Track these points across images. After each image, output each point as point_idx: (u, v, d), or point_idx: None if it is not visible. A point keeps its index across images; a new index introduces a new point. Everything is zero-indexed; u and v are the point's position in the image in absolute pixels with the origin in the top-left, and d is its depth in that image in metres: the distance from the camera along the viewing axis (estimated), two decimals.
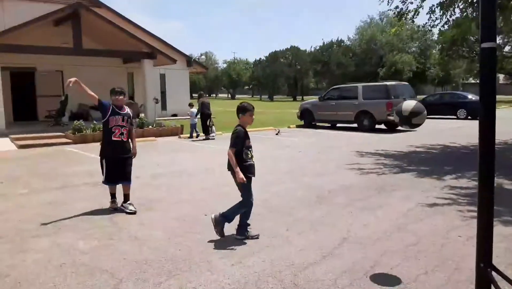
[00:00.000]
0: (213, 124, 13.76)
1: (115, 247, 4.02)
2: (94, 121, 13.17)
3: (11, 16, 15.40)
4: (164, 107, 21.24)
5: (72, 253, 3.86)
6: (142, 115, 16.32)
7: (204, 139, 13.25)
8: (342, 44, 60.91)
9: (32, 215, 5.11)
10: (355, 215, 5.01)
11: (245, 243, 4.08)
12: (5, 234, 4.41)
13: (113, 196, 5.43)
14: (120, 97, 5.34)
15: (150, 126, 14.21)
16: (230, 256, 3.77)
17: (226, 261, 3.64)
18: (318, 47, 63.53)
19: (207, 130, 13.41)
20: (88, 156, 9.91)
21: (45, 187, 6.71)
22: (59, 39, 15.75)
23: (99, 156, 5.39)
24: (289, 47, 66.99)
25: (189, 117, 14.03)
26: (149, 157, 9.77)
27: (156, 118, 16.41)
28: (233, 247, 3.99)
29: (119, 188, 5.40)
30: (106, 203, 5.51)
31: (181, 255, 3.81)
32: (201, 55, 64.72)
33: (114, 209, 5.30)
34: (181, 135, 14.14)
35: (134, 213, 5.15)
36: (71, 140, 12.22)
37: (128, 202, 5.32)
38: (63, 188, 6.62)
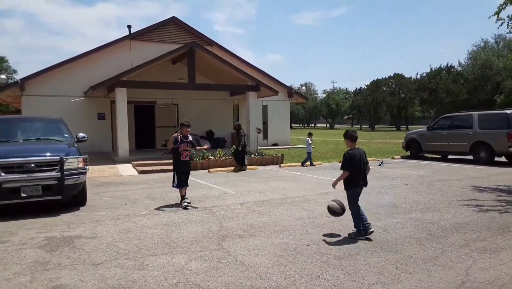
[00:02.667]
0: (247, 153, 13.94)
1: (223, 270, 4.22)
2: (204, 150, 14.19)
3: (137, 56, 17.67)
4: (265, 136, 21.97)
5: (185, 273, 4.15)
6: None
7: (238, 170, 13.18)
8: (452, 70, 56.67)
9: (151, 235, 5.64)
10: (474, 256, 4.53)
11: (350, 278, 3.95)
12: (128, 251, 4.94)
13: (183, 196, 7.65)
14: (187, 129, 7.68)
15: (253, 155, 14.78)
16: None
17: None
18: (425, 74, 60.06)
19: (243, 162, 13.46)
20: (197, 182, 10.64)
21: (161, 209, 7.36)
22: (175, 75, 17.56)
23: (173, 170, 7.76)
24: (392, 74, 64.63)
25: (305, 146, 14.71)
26: (252, 184, 10.13)
27: (258, 148, 17.01)
28: (339, 281, 3.89)
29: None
30: (214, 228, 5.86)
31: (285, 284, 3.83)
32: (301, 86, 65.62)
33: (188, 204, 7.43)
34: (281, 164, 14.39)
35: (189, 203, 7.49)
36: None
37: (185, 198, 7.64)
38: (176, 211, 7.20)
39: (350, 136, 5.30)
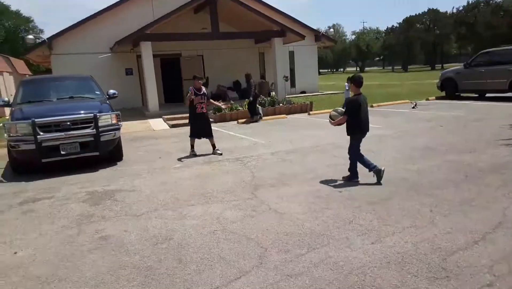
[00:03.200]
0: (259, 106, 13.48)
1: (258, 218, 4.34)
2: (231, 102, 14.18)
3: (158, 7, 17.31)
4: (293, 84, 21.58)
5: (222, 222, 4.31)
6: (273, 93, 16.88)
7: (249, 122, 12.90)
8: (491, 1, 52.49)
9: (186, 186, 5.82)
10: None
11: (384, 222, 3.98)
12: (166, 202, 5.14)
13: (192, 146, 8.08)
14: (199, 81, 7.85)
15: (281, 104, 14.63)
16: (369, 234, 3.74)
17: (365, 239, 3.62)
18: (461, 8, 56.09)
19: (254, 112, 13.11)
20: (227, 133, 10.74)
21: (194, 161, 7.54)
22: (198, 25, 17.18)
23: (189, 121, 8.12)
24: (426, 10, 60.79)
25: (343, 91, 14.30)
26: (282, 133, 10.12)
27: (286, 96, 16.78)
28: (372, 225, 3.93)
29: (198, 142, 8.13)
30: (247, 178, 5.97)
31: (319, 230, 3.91)
32: (329, 28, 62.81)
33: (194, 155, 7.91)
34: (311, 112, 14.22)
35: (221, 154, 7.82)
36: (212, 120, 13.35)
37: (216, 149, 8.03)
38: (209, 162, 7.35)
39: (357, 82, 5.26)
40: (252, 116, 13.09)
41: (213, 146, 8.10)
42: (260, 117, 13.19)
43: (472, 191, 4.74)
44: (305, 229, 3.95)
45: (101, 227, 4.39)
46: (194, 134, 8.08)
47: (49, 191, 6.02)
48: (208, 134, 8.07)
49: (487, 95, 15.11)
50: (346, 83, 14.00)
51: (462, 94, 15.69)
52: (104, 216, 4.75)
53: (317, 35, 21.87)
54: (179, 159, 7.77)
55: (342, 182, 5.48)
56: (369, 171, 5.31)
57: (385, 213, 4.23)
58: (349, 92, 13.60)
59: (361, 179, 5.39)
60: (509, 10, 48.26)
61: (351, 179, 5.46)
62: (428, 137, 8.20)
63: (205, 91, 8.02)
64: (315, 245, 3.58)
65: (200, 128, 8.02)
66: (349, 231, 3.84)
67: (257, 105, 13.34)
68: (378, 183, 5.23)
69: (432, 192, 4.82)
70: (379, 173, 5.24)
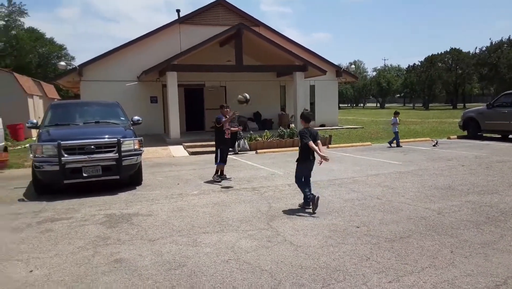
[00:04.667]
0: (241, 138, 13.36)
1: (272, 249, 4.30)
2: (251, 132, 14.34)
3: (186, 39, 17.96)
4: (313, 117, 21.66)
5: (236, 251, 4.28)
6: (292, 125, 17.00)
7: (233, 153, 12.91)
8: None
9: (202, 213, 5.84)
10: None
11: (402, 261, 3.88)
12: (182, 228, 5.15)
13: (222, 172, 8.43)
14: (226, 110, 8.47)
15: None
16: (386, 272, 3.64)
17: (382, 278, 3.53)
18: (484, 48, 55.94)
19: (232, 145, 12.91)
20: (245, 163, 10.79)
21: (212, 189, 7.58)
22: (223, 57, 17.70)
23: (215, 147, 8.41)
24: (448, 50, 60.88)
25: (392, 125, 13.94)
26: None
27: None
28: (390, 263, 3.84)
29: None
30: (263, 208, 5.96)
31: (335, 265, 3.84)
32: (350, 64, 63.57)
33: (227, 179, 8.32)
34: (329, 145, 14.20)
35: (230, 180, 8.34)
36: (231, 149, 13.48)
37: (224, 174, 8.52)
38: (226, 191, 7.38)
39: (304, 118, 6.08)
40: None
41: (222, 172, 8.55)
42: (235, 153, 13.04)
43: (494, 234, 4.59)
44: (321, 263, 3.88)
45: (116, 250, 4.43)
46: (224, 161, 8.42)
47: (68, 211, 6.13)
48: (226, 161, 8.65)
49: (510, 136, 14.83)
50: (393, 117, 13.83)
51: (484, 135, 15.45)
52: (120, 239, 4.79)
53: (338, 70, 22.12)
54: (217, 181, 8.17)
55: (359, 216, 5.39)
56: (304, 198, 5.84)
57: (404, 251, 4.13)
58: (396, 126, 13.52)
59: (378, 213, 5.29)
60: None
61: (304, 205, 5.92)
62: (449, 177, 8.05)
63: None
64: (330, 280, 3.51)
65: (226, 154, 8.53)
66: (365, 268, 3.76)
67: (242, 139, 13.38)
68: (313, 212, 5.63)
69: (452, 232, 4.69)
70: (313, 201, 5.66)
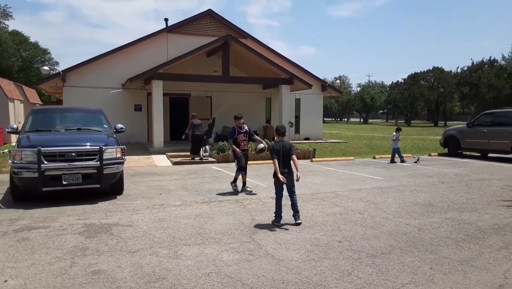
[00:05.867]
0: (205, 144, 13.70)
1: (254, 263, 4.27)
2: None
3: (173, 48, 17.96)
4: (297, 130, 21.85)
5: (217, 264, 4.23)
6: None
7: (194, 160, 13.38)
8: (495, 64, 53.95)
9: (184, 225, 5.77)
10: None
11: (383, 277, 3.90)
12: (163, 240, 5.08)
13: (244, 183, 8.41)
14: (240, 120, 8.31)
15: None
16: (367, 288, 3.65)
17: None
18: (466, 68, 57.56)
19: (197, 151, 13.41)
20: (229, 174, 10.75)
21: (194, 200, 7.51)
22: (209, 68, 17.74)
23: (235, 158, 8.42)
24: (431, 68, 62.40)
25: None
26: None
27: (290, 142, 16.91)
28: (371, 279, 3.85)
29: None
30: (246, 220, 5.92)
31: (316, 279, 3.83)
32: (335, 79, 64.56)
33: (237, 191, 8.20)
34: (313, 159, 14.28)
35: (251, 191, 8.22)
36: (215, 160, 13.44)
37: (247, 186, 8.44)
38: (209, 202, 7.32)
39: (277, 131, 6.27)
40: (194, 154, 13.47)
41: (244, 183, 8.46)
42: (201, 158, 13.42)
43: (473, 251, 4.67)
44: (302, 278, 3.87)
45: (94, 261, 4.32)
46: (242, 169, 8.32)
47: (46, 220, 5.97)
48: (246, 170, 8.54)
49: (489, 155, 15.20)
50: (394, 133, 13.89)
51: (464, 152, 15.80)
52: (99, 249, 4.68)
53: (324, 85, 22.41)
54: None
55: (341, 231, 5.42)
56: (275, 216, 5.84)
57: (385, 267, 4.16)
58: (397, 142, 13.59)
59: (360, 228, 5.32)
60: None
61: (274, 222, 5.84)
62: (429, 193, 8.18)
63: (247, 129, 8.45)
64: None
65: (246, 163, 8.41)
66: (347, 283, 3.76)
67: (206, 146, 13.63)
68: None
69: (432, 248, 4.75)
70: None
